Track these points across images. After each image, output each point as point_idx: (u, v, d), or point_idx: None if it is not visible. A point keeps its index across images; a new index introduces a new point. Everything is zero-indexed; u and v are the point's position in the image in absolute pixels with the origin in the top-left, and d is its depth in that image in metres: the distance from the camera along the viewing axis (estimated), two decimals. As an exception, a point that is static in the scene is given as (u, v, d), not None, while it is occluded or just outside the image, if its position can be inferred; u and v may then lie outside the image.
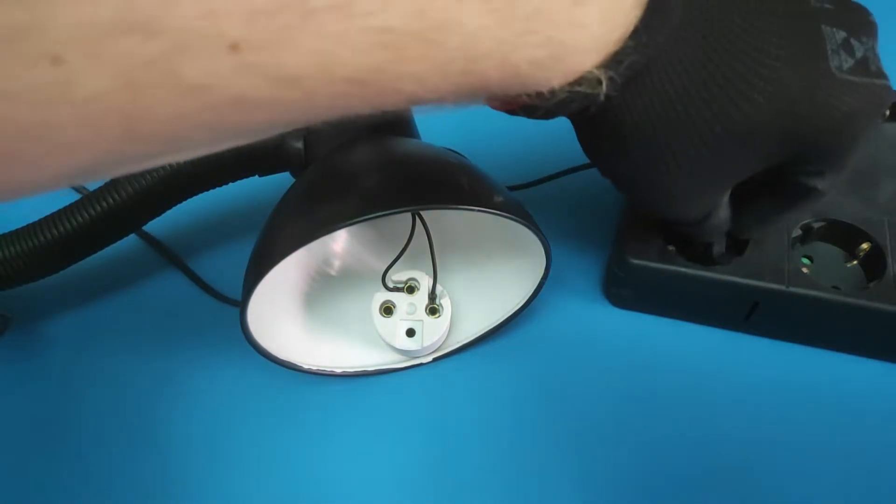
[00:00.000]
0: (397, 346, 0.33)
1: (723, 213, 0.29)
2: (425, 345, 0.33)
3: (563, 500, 0.31)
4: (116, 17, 0.12)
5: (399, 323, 0.33)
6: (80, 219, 0.32)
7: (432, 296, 0.34)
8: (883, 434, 0.32)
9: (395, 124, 0.33)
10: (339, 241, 0.36)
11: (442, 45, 0.15)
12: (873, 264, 0.33)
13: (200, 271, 0.39)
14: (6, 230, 0.33)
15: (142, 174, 0.32)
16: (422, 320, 0.34)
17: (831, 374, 0.33)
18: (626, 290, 0.35)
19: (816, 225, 0.34)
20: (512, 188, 0.36)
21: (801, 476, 0.31)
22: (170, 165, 0.33)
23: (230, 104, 0.14)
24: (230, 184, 0.35)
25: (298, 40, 0.13)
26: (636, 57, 0.20)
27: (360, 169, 0.28)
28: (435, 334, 0.33)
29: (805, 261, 0.34)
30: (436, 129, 0.44)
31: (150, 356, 0.36)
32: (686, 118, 0.22)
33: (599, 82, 0.20)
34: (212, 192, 0.35)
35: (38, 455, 0.33)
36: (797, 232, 0.34)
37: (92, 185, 0.34)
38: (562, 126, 0.45)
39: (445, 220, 0.34)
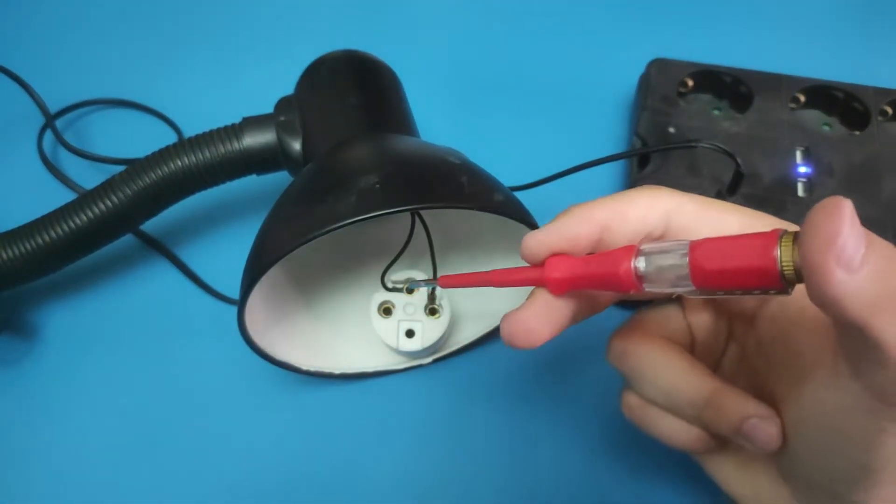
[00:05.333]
0: (396, 348, 0.33)
1: None
2: (425, 346, 0.33)
3: (565, 497, 0.30)
4: None
5: (398, 324, 0.33)
6: (77, 219, 0.32)
7: (432, 296, 0.33)
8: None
9: (394, 124, 0.33)
10: (339, 241, 0.36)
11: None
12: (876, 265, 0.33)
13: (199, 271, 0.38)
14: (4, 230, 0.33)
15: (140, 174, 0.32)
16: (421, 321, 0.33)
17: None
18: (626, 290, 0.35)
19: (819, 225, 0.34)
20: (512, 188, 0.35)
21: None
22: (168, 165, 0.32)
23: None
24: (228, 183, 0.35)
25: None
26: None
27: (359, 168, 0.27)
28: (434, 335, 0.33)
29: (807, 261, 0.34)
30: (436, 129, 0.44)
31: (148, 356, 0.36)
32: None
33: None
34: (210, 191, 0.35)
35: (37, 455, 0.33)
36: (799, 232, 0.33)
37: (90, 185, 0.34)
38: (561, 127, 0.45)
39: (445, 220, 0.34)
